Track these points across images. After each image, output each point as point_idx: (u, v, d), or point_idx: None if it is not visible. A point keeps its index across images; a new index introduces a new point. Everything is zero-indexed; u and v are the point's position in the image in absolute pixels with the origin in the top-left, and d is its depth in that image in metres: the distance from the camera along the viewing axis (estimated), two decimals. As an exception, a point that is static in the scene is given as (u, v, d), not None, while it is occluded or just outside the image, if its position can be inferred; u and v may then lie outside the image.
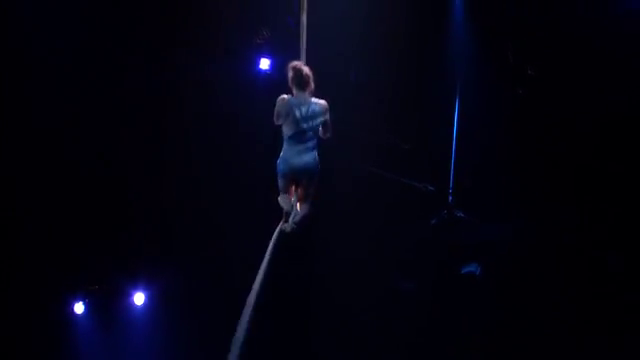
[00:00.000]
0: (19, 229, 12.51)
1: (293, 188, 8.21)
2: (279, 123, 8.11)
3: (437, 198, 12.96)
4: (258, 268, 9.54)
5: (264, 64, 12.57)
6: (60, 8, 11.84)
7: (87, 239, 12.60)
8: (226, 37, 12.55)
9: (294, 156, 8.00)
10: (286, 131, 8.03)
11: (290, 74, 8.03)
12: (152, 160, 12.82)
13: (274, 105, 8.17)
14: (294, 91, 8.03)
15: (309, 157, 8.05)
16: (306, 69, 8.02)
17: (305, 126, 7.98)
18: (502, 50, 12.80)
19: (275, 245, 7.92)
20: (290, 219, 8.00)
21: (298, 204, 8.11)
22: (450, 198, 12.87)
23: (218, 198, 12.96)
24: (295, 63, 8.04)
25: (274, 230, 8.14)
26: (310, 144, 8.06)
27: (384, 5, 12.39)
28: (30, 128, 12.18)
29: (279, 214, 8.17)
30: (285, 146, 8.07)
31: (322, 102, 8.09)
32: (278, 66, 12.19)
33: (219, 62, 12.58)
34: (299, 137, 8.00)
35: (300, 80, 7.98)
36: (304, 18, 8.22)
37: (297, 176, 8.07)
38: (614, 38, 12.08)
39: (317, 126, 8.05)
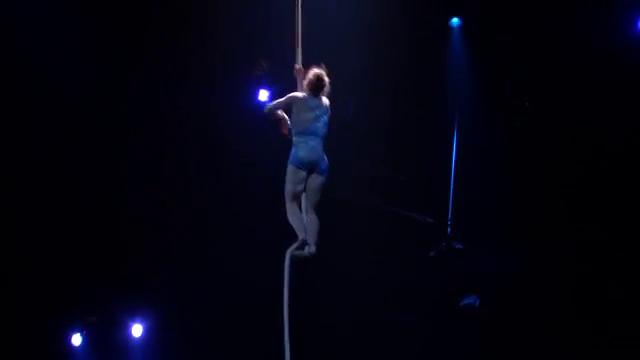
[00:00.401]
0: (17, 260, 12.49)
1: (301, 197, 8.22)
2: (276, 107, 8.15)
3: (436, 230, 12.95)
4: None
5: (263, 96, 12.61)
6: (64, 41, 11.95)
7: (85, 271, 12.57)
8: (224, 68, 12.62)
9: (307, 148, 8.08)
10: (299, 127, 8.12)
11: (310, 78, 8.13)
12: (151, 192, 12.82)
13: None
14: (307, 93, 8.12)
15: (320, 149, 8.15)
16: (327, 79, 8.14)
17: (319, 123, 8.09)
18: (500, 82, 12.86)
19: (290, 274, 7.91)
20: (306, 249, 7.99)
21: (307, 215, 8.11)
22: (449, 230, 12.87)
23: (218, 230, 12.95)
24: (317, 71, 8.13)
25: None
26: (322, 138, 8.15)
27: (382, 38, 12.46)
28: (29, 161, 12.21)
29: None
30: (296, 141, 8.13)
31: (326, 99, 8.23)
32: (277, 98, 12.22)
33: (217, 93, 12.65)
34: (312, 132, 8.09)
35: (319, 87, 8.09)
36: (299, 51, 8.36)
37: (310, 168, 8.10)
38: (611, 69, 12.13)
39: (327, 122, 8.20)
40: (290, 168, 8.14)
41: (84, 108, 12.33)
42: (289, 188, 8.12)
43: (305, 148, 8.08)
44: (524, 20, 12.50)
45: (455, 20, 12.95)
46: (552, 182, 12.60)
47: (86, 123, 12.37)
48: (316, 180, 8.18)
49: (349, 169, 12.48)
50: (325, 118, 8.20)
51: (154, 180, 12.81)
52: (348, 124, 12.53)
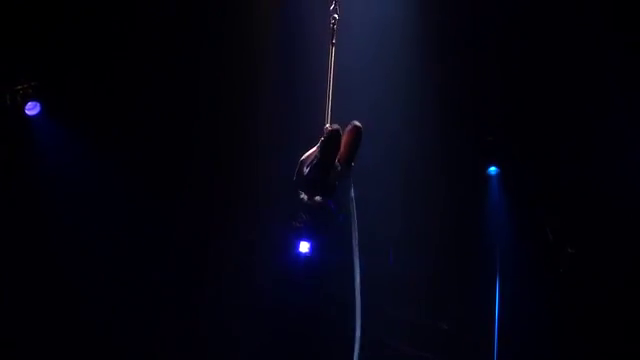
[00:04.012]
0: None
1: None
2: None
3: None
4: None
5: (303, 247, 12.66)
6: (99, 194, 12.37)
7: None
8: (263, 219, 12.81)
9: None
10: None
11: None
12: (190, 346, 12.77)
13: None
14: None
15: None
16: None
17: None
18: (541, 228, 12.84)
19: None
20: None
21: None
22: (495, 382, 12.59)
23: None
24: None
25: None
26: None
27: (420, 188, 12.67)
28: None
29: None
30: None
31: None
32: (317, 249, 12.30)
33: (257, 245, 12.79)
34: None
35: None
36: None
37: None
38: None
39: None
40: None
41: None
42: None
43: None
44: (563, 166, 12.61)
45: (493, 169, 13.10)
46: (603, 328, 12.32)
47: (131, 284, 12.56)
48: None
49: (389, 317, 12.39)
50: None
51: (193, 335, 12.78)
52: (388, 271, 12.58)
